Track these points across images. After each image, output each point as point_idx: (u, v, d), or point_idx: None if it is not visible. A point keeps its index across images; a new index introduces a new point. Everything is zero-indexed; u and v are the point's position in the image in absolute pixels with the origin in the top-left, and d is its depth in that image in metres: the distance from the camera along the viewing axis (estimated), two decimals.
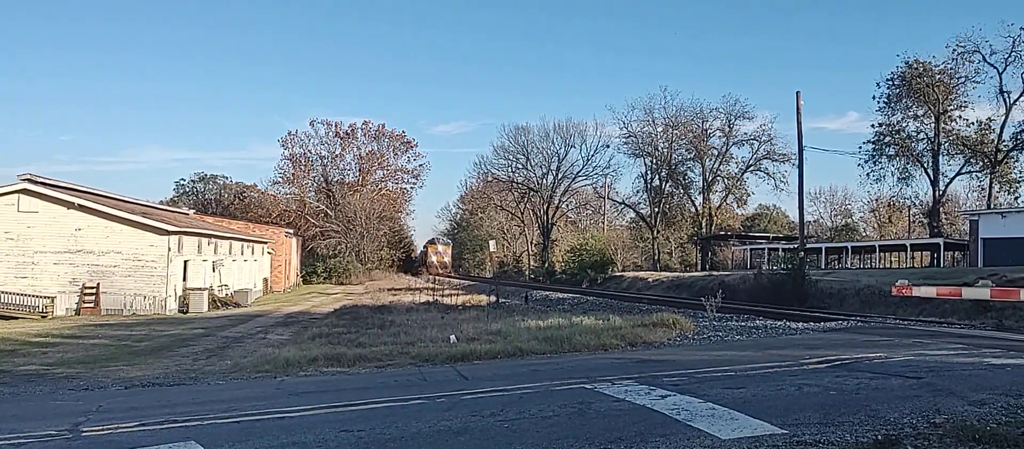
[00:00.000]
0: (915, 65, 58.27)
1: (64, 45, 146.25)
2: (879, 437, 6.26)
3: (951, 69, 56.99)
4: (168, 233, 34.52)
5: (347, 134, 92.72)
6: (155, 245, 34.29)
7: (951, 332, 15.50)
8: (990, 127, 57.68)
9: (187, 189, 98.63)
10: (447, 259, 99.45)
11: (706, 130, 71.20)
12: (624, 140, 74.41)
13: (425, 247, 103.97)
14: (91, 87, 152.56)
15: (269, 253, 60.06)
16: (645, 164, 73.47)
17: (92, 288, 33.18)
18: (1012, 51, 53.11)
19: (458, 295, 36.66)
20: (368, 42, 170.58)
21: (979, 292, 14.00)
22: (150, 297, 33.78)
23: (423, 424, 7.46)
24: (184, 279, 36.91)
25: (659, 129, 72.06)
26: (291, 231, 71.66)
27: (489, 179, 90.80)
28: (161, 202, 64.20)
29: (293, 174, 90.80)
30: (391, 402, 8.84)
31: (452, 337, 16.31)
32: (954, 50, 56.04)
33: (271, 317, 32.41)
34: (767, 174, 69.97)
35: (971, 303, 18.09)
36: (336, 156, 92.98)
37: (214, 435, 7.28)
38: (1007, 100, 54.90)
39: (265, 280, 58.26)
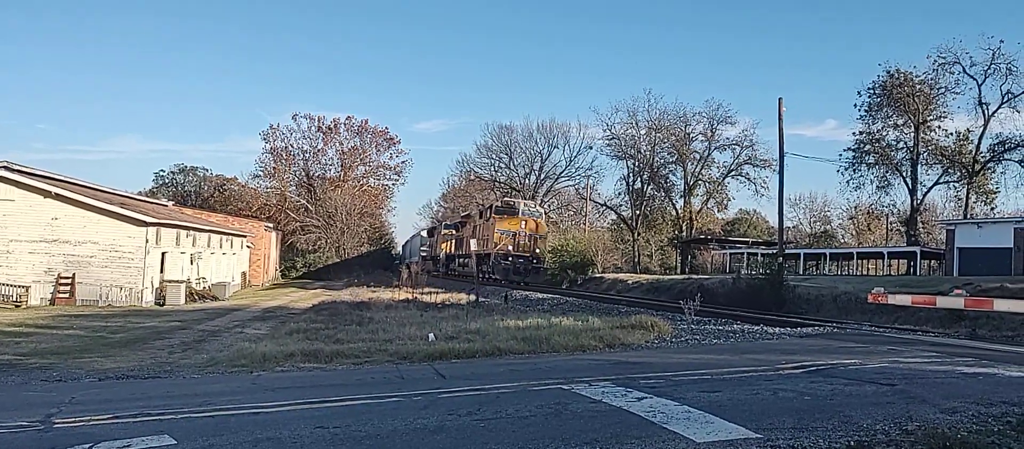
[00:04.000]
0: (896, 74, 58.82)
1: (42, 33, 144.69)
2: (852, 443, 6.33)
3: (931, 79, 57.60)
4: (146, 224, 34.22)
5: (330, 129, 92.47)
6: (133, 236, 33.97)
7: (925, 340, 15.65)
8: (968, 138, 58.39)
9: (166, 181, 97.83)
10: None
11: (689, 134, 71.50)
12: (607, 142, 74.47)
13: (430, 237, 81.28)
14: (70, 76, 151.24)
15: (248, 247, 59.70)
16: (627, 166, 73.72)
17: (68, 278, 32.80)
18: (992, 63, 53.75)
19: (438, 293, 36.58)
20: (352, 37, 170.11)
21: (953, 301, 14.17)
22: (126, 289, 33.46)
23: (399, 422, 7.44)
24: (161, 271, 36.61)
25: (642, 132, 72.29)
26: (271, 225, 71.33)
27: (472, 177, 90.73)
28: (140, 193, 63.63)
29: (274, 168, 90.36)
30: (368, 399, 8.82)
31: (430, 335, 16.28)
32: (935, 61, 56.66)
33: (249, 311, 32.23)
34: (748, 179, 70.32)
35: (945, 312, 18.27)
36: (318, 151, 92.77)
37: (188, 429, 7.24)
38: (985, 112, 55.57)
39: (244, 274, 57.92)
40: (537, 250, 46.19)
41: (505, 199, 48.55)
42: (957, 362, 11.44)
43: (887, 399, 8.37)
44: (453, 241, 61.67)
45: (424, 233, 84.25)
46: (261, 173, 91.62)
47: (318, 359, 13.34)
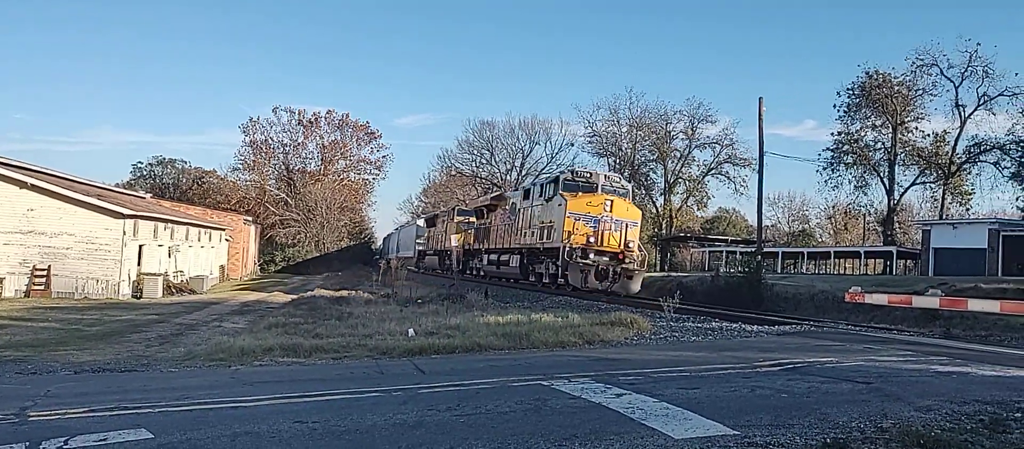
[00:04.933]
0: (875, 76, 59.40)
1: (18, 22, 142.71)
2: (828, 440, 6.40)
3: (909, 81, 58.28)
4: (123, 216, 33.90)
5: (310, 122, 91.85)
6: (110, 228, 33.63)
7: (901, 339, 15.83)
8: (945, 139, 59.17)
9: (144, 172, 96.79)
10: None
11: (669, 132, 71.79)
12: (589, 139, 74.48)
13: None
14: (47, 65, 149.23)
15: (227, 240, 59.34)
16: (608, 164, 73.77)
17: (43, 270, 32.44)
18: (969, 66, 54.47)
19: (418, 288, 36.52)
20: (333, 30, 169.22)
21: (928, 301, 14.35)
22: (103, 281, 33.13)
23: (379, 417, 7.44)
24: (139, 264, 36.30)
25: (623, 129, 72.50)
26: (250, 219, 70.87)
27: (453, 173, 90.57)
28: (117, 185, 63.02)
29: (254, 161, 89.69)
30: (347, 394, 8.80)
31: (410, 331, 16.25)
32: (913, 63, 57.32)
33: (227, 305, 32.04)
34: (727, 178, 70.66)
35: (920, 311, 18.47)
36: (298, 144, 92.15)
37: (165, 423, 7.19)
38: (962, 114, 56.35)
39: (222, 267, 57.58)
40: (630, 244, 29.61)
41: (576, 169, 32.83)
42: (932, 361, 11.58)
43: (863, 397, 8.47)
44: (473, 232, 46.92)
45: (419, 223, 70.77)
46: (240, 166, 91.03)
47: (297, 354, 13.28)
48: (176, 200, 69.26)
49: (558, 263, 28.99)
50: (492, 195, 43.13)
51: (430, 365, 11.80)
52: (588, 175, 31.29)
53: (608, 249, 28.96)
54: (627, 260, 29.07)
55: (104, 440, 6.58)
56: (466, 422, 7.24)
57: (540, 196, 33.05)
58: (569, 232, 28.78)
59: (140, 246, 36.55)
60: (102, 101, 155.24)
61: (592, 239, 28.74)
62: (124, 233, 33.89)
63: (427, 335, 15.61)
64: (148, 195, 57.65)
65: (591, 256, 28.49)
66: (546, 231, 30.95)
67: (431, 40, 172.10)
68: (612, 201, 29.85)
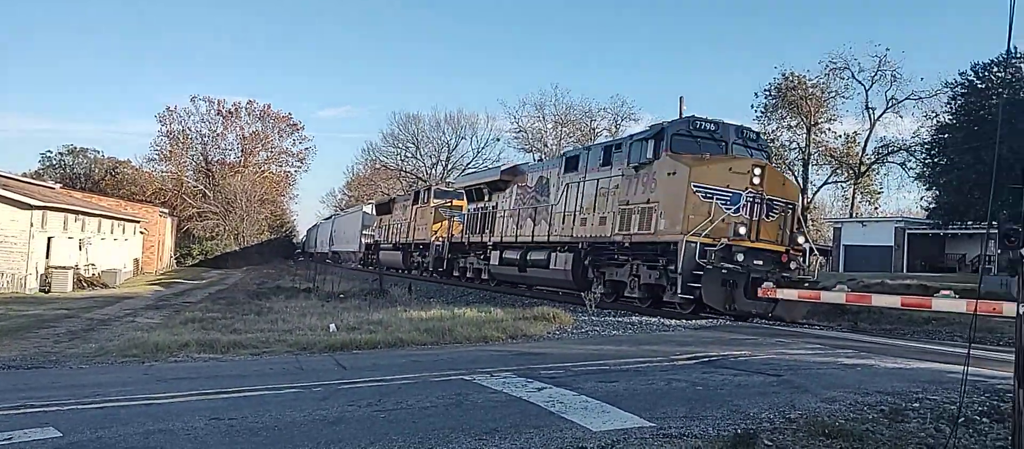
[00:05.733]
0: (791, 78, 61.25)
1: None
2: (738, 431, 6.63)
3: (823, 83, 60.30)
4: (31, 207, 32.55)
5: (230, 113, 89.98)
6: (16, 220, 32.24)
7: (811, 333, 16.44)
8: (855, 141, 61.53)
9: (54, 162, 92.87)
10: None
11: (594, 129, 72.76)
12: (515, 134, 74.92)
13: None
14: None
15: (142, 233, 57.57)
16: (534, 159, 74.30)
17: None
18: (878, 70, 56.79)
19: (340, 283, 36.13)
20: (254, 18, 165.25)
21: (835, 296, 14.88)
22: (8, 275, 31.75)
23: (298, 413, 7.37)
24: (47, 257, 34.92)
25: (549, 126, 73.23)
26: (166, 211, 68.96)
27: (377, 166, 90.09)
28: (25, 175, 60.31)
29: (170, 151, 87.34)
30: (265, 390, 8.68)
31: (332, 326, 16.10)
32: (827, 66, 59.37)
33: (141, 299, 31.14)
34: None
35: (829, 306, 19.17)
36: (217, 135, 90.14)
37: (75, 421, 6.97)
38: (871, 116, 58.77)
39: (136, 261, 55.87)
40: (798, 239, 19.72)
41: (695, 116, 20.80)
42: (838, 354, 12.06)
43: (773, 389, 8.79)
44: (462, 220, 35.19)
45: (367, 210, 59.60)
46: (156, 157, 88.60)
47: (214, 349, 13.01)
48: (88, 191, 66.77)
49: (677, 268, 18.20)
50: (503, 169, 31.61)
51: (351, 361, 11.72)
52: (713, 126, 20.16)
53: (766, 246, 18.90)
54: (794, 266, 18.79)
55: (9, 440, 6.35)
56: (387, 417, 7.24)
57: (618, 160, 21.88)
58: (690, 216, 18.25)
59: (49, 238, 35.15)
60: (7, 87, 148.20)
61: (742, 230, 18.44)
62: (32, 225, 32.54)
63: (349, 330, 15.48)
64: (58, 185, 55.33)
65: (740, 258, 18.06)
66: (638, 215, 20.20)
67: (355, 30, 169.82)
68: (763, 168, 19.28)
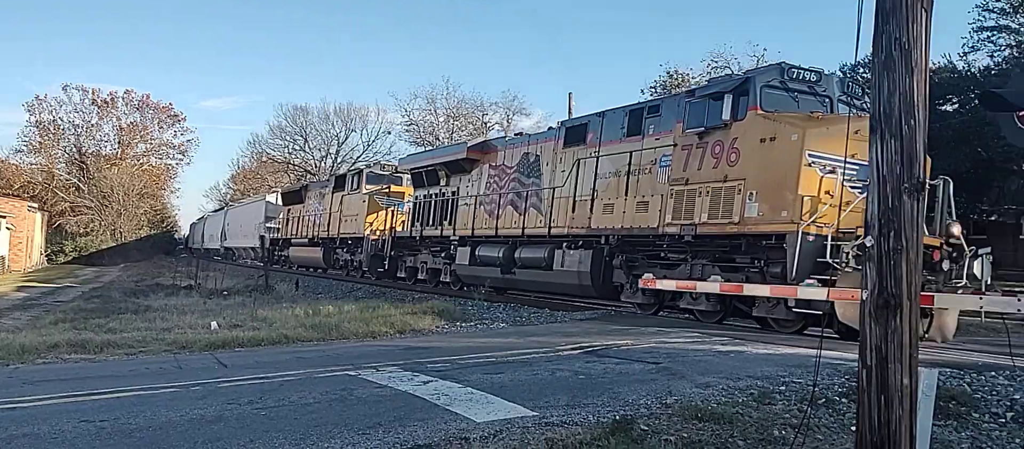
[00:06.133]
0: (675, 75, 63.13)
1: None
2: (618, 417, 6.87)
3: (705, 81, 62.43)
4: None
5: (106, 103, 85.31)
6: None
7: (689, 323, 17.07)
8: None
9: None
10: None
11: (486, 123, 72.93)
12: (406, 127, 74.15)
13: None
14: None
15: (9, 229, 54.28)
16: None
17: None
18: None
19: (224, 279, 35.07)
20: (130, 4, 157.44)
21: (710, 286, 15.43)
22: None
23: (174, 413, 7.17)
24: None
25: (441, 119, 72.95)
26: (35, 205, 65.15)
27: (264, 159, 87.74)
28: None
29: (40, 143, 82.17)
30: (140, 391, 8.39)
31: (213, 323, 15.66)
32: (709, 64, 61.45)
33: (7, 299, 29.39)
34: None
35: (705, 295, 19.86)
36: (92, 126, 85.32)
37: None
38: None
39: (2, 259, 52.64)
40: (953, 231, 13.04)
41: (787, 63, 14.95)
42: (714, 342, 12.59)
43: (652, 376, 9.13)
44: (407, 209, 29.45)
45: (270, 200, 52.57)
46: (24, 148, 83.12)
47: (86, 350, 12.43)
48: None
49: (785, 271, 13.42)
50: (470, 146, 25.11)
51: (233, 358, 11.45)
52: (814, 77, 15.27)
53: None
54: (948, 268, 13.04)
55: None
56: (268, 415, 7.14)
57: (657, 126, 17.08)
58: (805, 197, 13.27)
59: None
60: None
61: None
62: None
63: (232, 328, 15.11)
64: None
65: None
66: (708, 198, 15.36)
67: (238, 18, 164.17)
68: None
